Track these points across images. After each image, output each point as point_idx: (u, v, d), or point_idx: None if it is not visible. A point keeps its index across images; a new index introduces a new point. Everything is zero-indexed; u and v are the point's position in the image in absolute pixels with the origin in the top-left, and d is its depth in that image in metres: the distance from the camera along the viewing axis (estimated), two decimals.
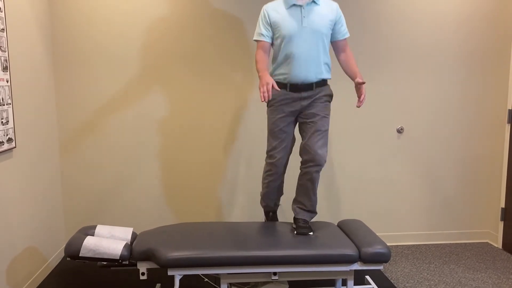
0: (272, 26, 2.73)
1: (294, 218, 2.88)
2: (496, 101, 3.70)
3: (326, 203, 3.68)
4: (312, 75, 2.71)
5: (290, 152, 2.88)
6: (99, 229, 2.73)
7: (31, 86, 2.94)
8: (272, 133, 2.82)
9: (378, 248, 2.54)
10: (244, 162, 3.56)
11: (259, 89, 2.55)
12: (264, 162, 3.12)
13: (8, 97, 2.59)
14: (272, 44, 2.79)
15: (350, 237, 2.75)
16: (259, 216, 3.63)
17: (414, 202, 3.75)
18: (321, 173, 3.62)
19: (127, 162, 3.47)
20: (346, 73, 2.87)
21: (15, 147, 2.68)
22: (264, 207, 3.04)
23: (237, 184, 3.58)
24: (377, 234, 3.76)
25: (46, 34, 3.19)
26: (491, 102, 3.70)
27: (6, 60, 2.57)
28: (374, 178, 3.69)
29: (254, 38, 2.78)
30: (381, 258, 2.53)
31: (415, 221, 3.77)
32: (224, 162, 3.55)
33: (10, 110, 2.62)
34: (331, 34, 2.79)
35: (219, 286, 2.82)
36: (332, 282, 3.02)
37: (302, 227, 2.78)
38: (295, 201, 2.92)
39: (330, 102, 2.83)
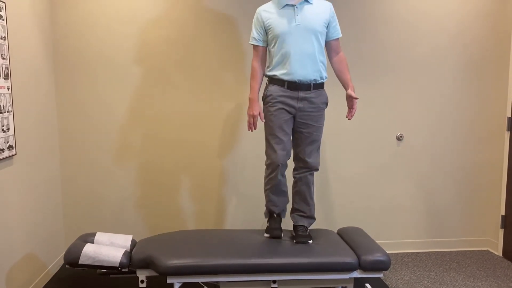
0: (265, 28, 2.75)
1: (294, 226, 2.88)
2: (495, 109, 3.70)
3: (325, 210, 3.68)
4: (310, 73, 2.72)
5: (289, 156, 2.83)
6: (99, 236, 2.73)
7: (31, 93, 2.95)
8: (271, 132, 2.78)
9: (377, 256, 2.54)
10: (244, 168, 3.56)
11: (247, 114, 2.78)
12: (263, 168, 3.09)
13: (9, 104, 2.60)
14: (268, 45, 2.79)
15: (350, 245, 2.75)
16: (259, 223, 3.63)
17: (414, 210, 3.75)
18: (320, 180, 3.62)
19: (127, 169, 3.47)
20: (338, 77, 2.87)
21: (15, 154, 2.68)
22: (269, 216, 2.90)
23: (236, 190, 3.58)
24: (377, 241, 3.76)
25: (47, 41, 3.21)
26: (491, 110, 3.71)
27: (7, 68, 2.59)
28: (374, 186, 3.69)
29: (249, 42, 2.83)
30: (381, 266, 2.53)
31: (415, 229, 3.77)
32: (223, 168, 3.55)
33: (10, 117, 2.63)
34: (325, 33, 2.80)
35: None
36: None
37: (302, 236, 2.78)
38: (293, 209, 2.92)
39: (324, 109, 2.84)
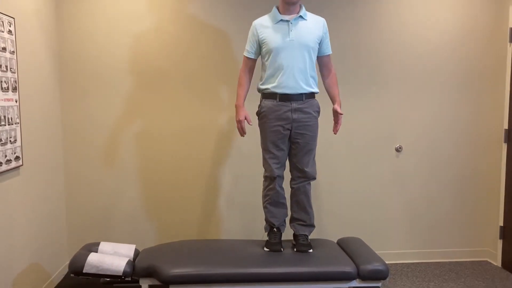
0: (260, 41, 2.82)
1: (294, 235, 2.91)
2: (492, 121, 3.76)
3: (325, 220, 3.72)
4: (302, 85, 2.78)
5: (284, 168, 2.88)
6: (103, 245, 2.77)
7: (37, 105, 3.02)
8: (265, 148, 2.86)
9: (376, 265, 2.58)
10: (243, 177, 3.61)
11: (235, 121, 2.91)
12: (259, 178, 3.11)
13: (16, 116, 2.67)
14: (262, 58, 2.86)
15: (349, 255, 2.79)
16: (259, 233, 3.66)
17: (413, 220, 3.78)
18: (319, 190, 3.67)
19: (130, 180, 3.53)
20: (328, 92, 2.95)
21: (22, 165, 2.74)
22: (269, 229, 2.91)
23: (237, 200, 3.62)
24: (376, 252, 3.78)
25: (53, 54, 3.29)
26: (488, 122, 3.76)
27: (15, 81, 2.66)
28: (372, 196, 3.73)
29: (244, 54, 2.91)
30: (379, 275, 2.56)
31: (414, 239, 3.80)
32: (223, 177, 3.60)
33: (18, 129, 2.69)
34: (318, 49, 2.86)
35: None
36: None
37: (303, 245, 2.81)
38: (293, 219, 2.94)
39: (317, 118, 2.90)
